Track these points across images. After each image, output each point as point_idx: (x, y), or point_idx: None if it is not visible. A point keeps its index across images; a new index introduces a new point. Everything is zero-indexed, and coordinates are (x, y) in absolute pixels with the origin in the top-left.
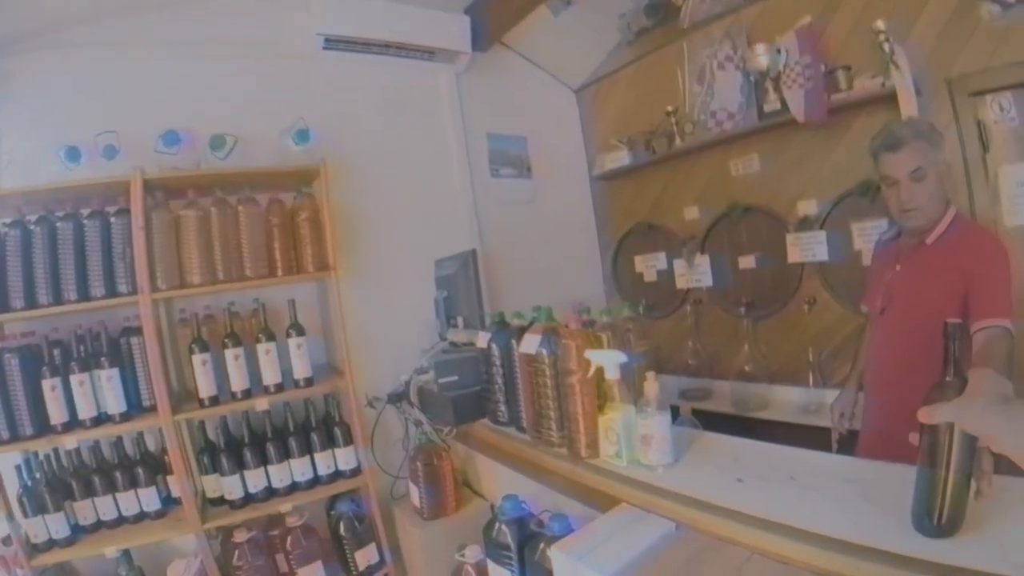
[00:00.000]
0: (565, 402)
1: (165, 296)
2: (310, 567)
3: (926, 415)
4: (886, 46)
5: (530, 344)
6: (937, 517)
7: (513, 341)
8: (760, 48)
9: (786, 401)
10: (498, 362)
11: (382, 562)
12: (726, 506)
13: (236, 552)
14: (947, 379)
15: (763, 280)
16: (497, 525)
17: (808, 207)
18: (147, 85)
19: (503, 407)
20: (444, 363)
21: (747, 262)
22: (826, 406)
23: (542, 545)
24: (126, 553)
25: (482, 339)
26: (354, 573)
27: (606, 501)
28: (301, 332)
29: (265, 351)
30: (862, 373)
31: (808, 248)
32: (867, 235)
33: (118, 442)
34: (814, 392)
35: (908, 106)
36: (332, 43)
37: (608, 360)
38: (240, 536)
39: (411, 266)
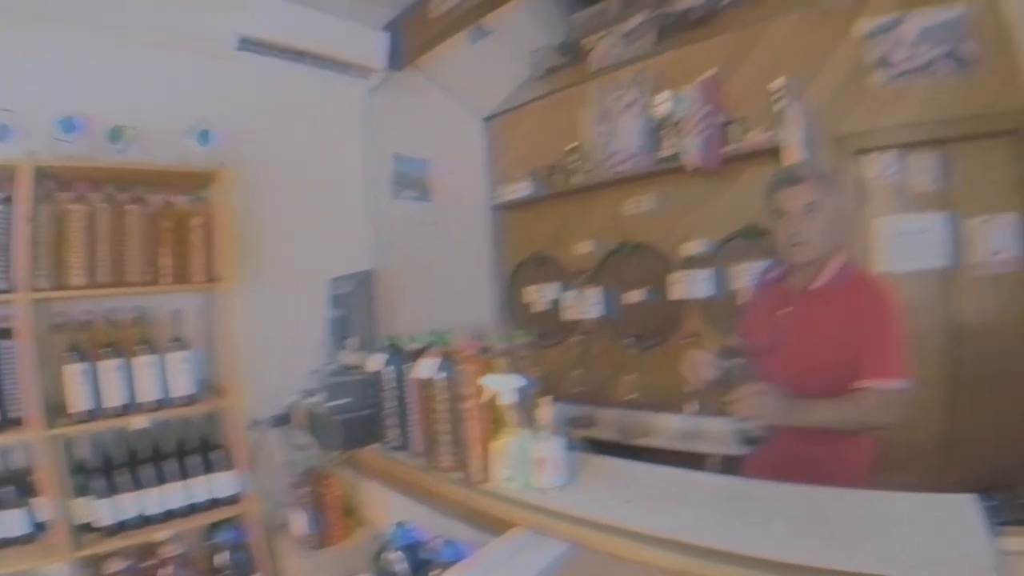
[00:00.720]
0: (459, 427)
1: (45, 297)
2: None
3: None
4: (780, 104)
5: (426, 369)
6: None
7: (407, 365)
8: (664, 95)
9: (668, 428)
10: (391, 386)
11: None
12: (617, 525)
13: None
14: None
15: (649, 314)
16: (388, 553)
17: (694, 247)
18: (50, 66)
19: (395, 432)
20: (336, 385)
21: (635, 296)
22: (705, 433)
23: (434, 572)
24: None
25: (376, 362)
26: None
27: (499, 525)
28: (185, 346)
29: (145, 364)
30: None
31: (691, 285)
32: (747, 276)
33: None
34: (693, 420)
35: (794, 160)
36: (247, 44)
37: (504, 385)
38: (112, 566)
39: (305, 283)
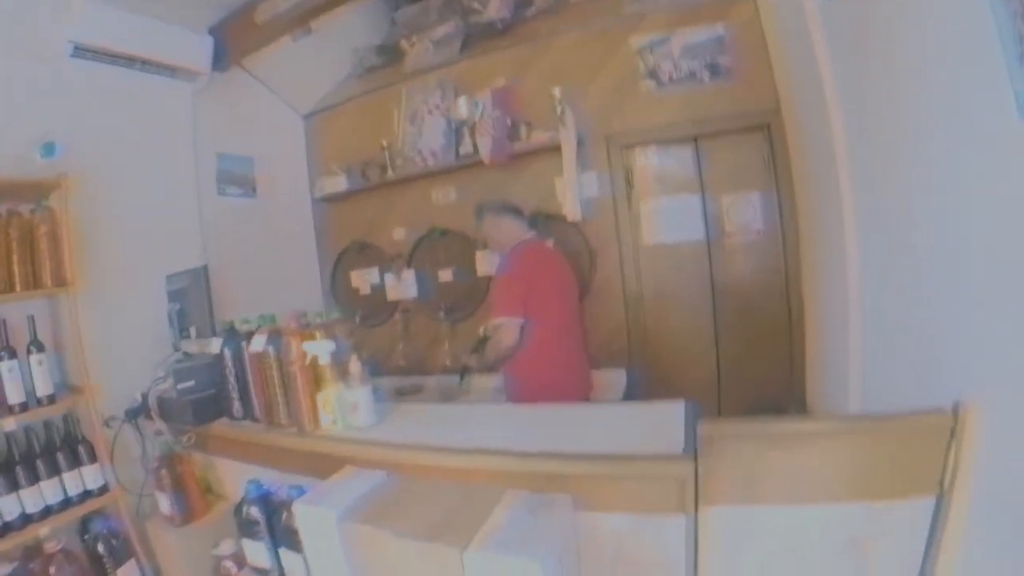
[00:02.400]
0: (290, 389)
1: None
2: None
3: None
4: (559, 107)
5: (258, 343)
6: None
7: (243, 344)
8: (462, 100)
9: (483, 387)
10: (230, 364)
11: None
12: (417, 443)
13: None
14: None
15: (459, 289)
16: (245, 508)
17: None
18: None
19: (237, 404)
20: (181, 370)
21: (446, 275)
22: None
23: (285, 513)
24: None
25: (215, 345)
26: None
27: (332, 467)
28: (41, 348)
29: (8, 369)
30: None
31: (491, 263)
32: None
33: None
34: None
35: (570, 156)
36: (81, 51)
37: (321, 349)
38: (0, 570)
39: (144, 281)
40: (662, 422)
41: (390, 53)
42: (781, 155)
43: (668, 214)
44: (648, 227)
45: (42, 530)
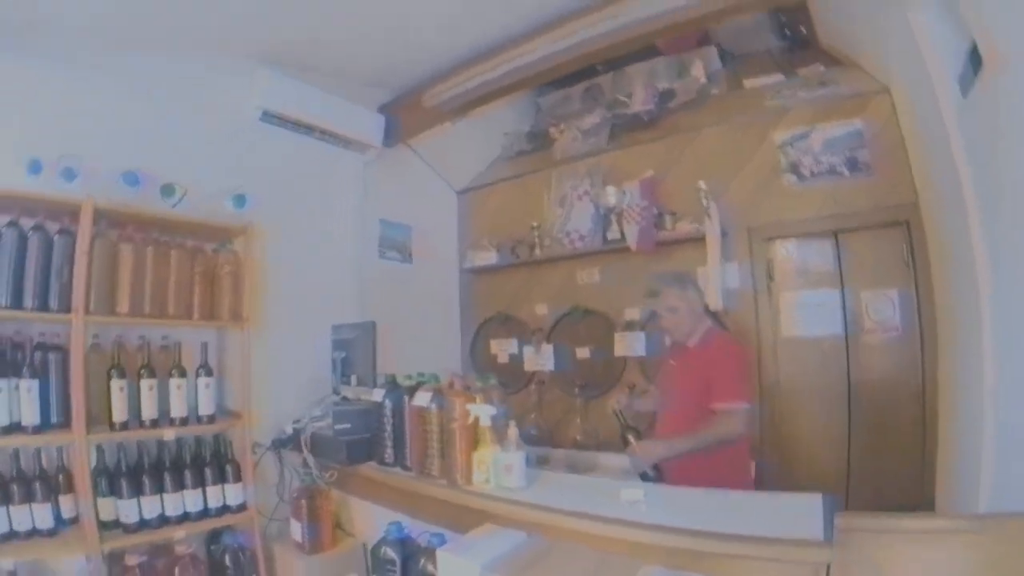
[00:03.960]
0: (447, 443)
1: (96, 320)
2: None
3: None
4: (704, 201)
5: (422, 399)
6: None
7: (405, 397)
8: (611, 189)
9: (610, 466)
10: (389, 414)
11: None
12: (562, 508)
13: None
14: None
15: (595, 367)
16: (384, 546)
17: (633, 313)
18: (103, 116)
19: (390, 451)
20: (341, 412)
21: (583, 352)
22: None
23: (423, 559)
24: (15, 569)
25: (377, 394)
26: None
27: (472, 521)
28: (210, 373)
29: (176, 386)
30: None
31: (630, 344)
32: None
33: (14, 455)
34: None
35: (714, 248)
36: (268, 116)
37: (484, 412)
38: (131, 560)
39: (306, 327)
40: (800, 511)
41: (539, 139)
42: (920, 252)
43: (807, 307)
44: (787, 319)
45: (177, 533)
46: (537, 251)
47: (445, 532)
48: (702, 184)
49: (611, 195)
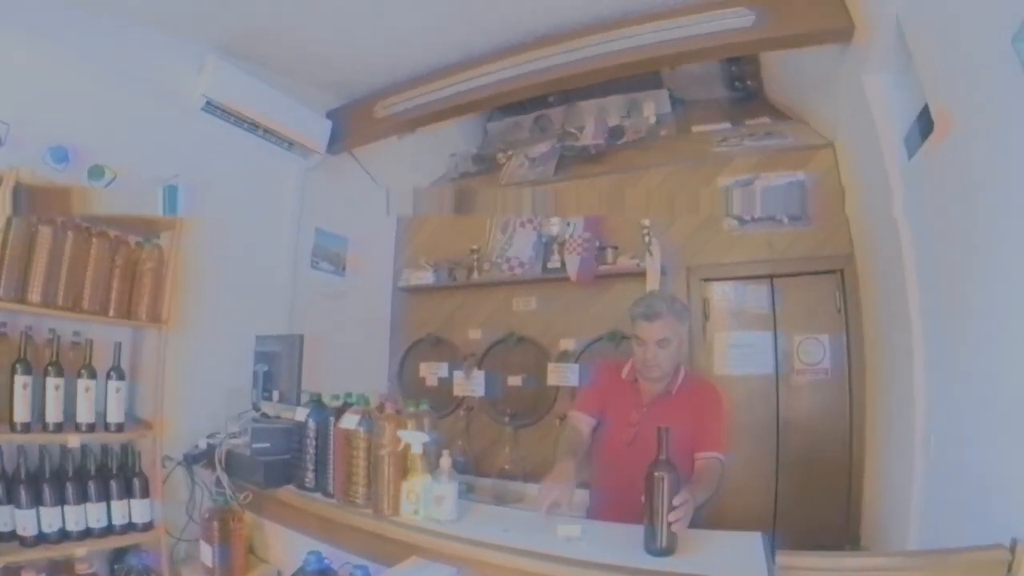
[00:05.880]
0: (375, 470)
1: (3, 307)
2: None
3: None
4: (646, 238)
5: (350, 421)
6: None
7: (331, 418)
8: (555, 219)
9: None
10: (312, 435)
11: None
12: (496, 543)
13: None
14: (660, 458)
15: (526, 396)
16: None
17: (568, 344)
18: (44, 86)
19: (311, 474)
20: (260, 430)
21: (515, 380)
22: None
23: None
24: None
25: (300, 413)
26: None
27: (398, 553)
28: (122, 376)
29: (85, 387)
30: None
31: (563, 375)
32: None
33: None
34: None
35: (654, 283)
36: (212, 107)
37: (416, 439)
38: None
39: (229, 335)
40: (740, 549)
41: (486, 163)
42: (852, 299)
43: (740, 347)
44: (720, 358)
45: (79, 550)
46: (475, 274)
47: (369, 564)
48: (645, 221)
49: (555, 225)
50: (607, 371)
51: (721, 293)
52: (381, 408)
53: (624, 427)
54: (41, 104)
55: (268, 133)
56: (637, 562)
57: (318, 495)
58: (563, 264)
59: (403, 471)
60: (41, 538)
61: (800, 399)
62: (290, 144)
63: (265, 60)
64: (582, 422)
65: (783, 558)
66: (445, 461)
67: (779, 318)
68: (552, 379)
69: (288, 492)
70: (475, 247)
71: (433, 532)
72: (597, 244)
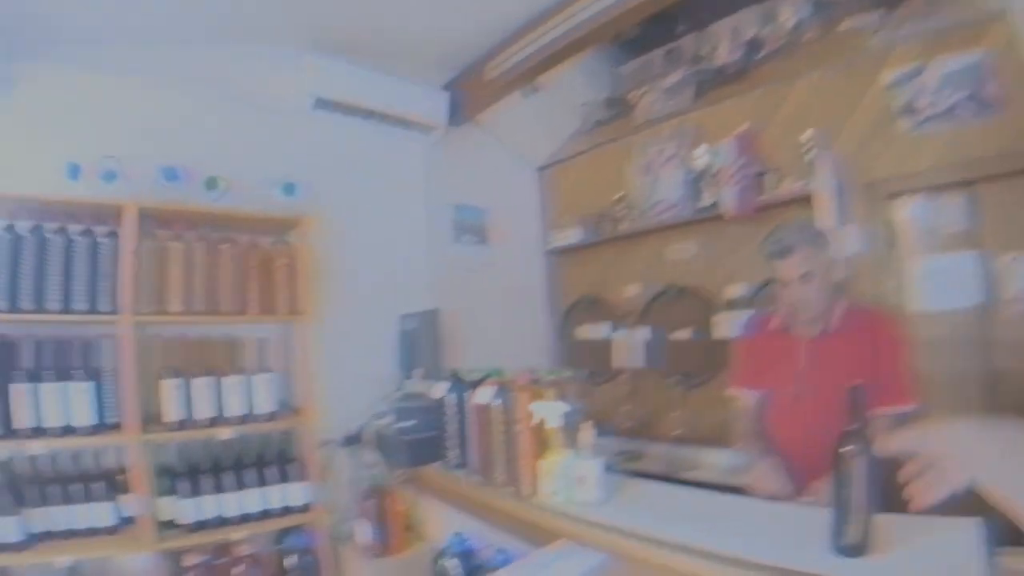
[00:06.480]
0: (512, 447)
1: (145, 320)
2: None
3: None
4: (809, 153)
5: (484, 395)
6: (848, 540)
7: (467, 393)
8: (701, 149)
9: (713, 463)
10: (453, 411)
11: None
12: (647, 534)
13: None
14: (853, 426)
15: (694, 352)
16: (444, 559)
17: (736, 290)
18: (148, 116)
19: (455, 452)
20: (404, 410)
21: (680, 335)
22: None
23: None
24: (75, 566)
25: (439, 390)
26: None
27: (545, 536)
28: (267, 369)
29: (233, 383)
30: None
31: (733, 326)
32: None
33: (76, 455)
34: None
35: (825, 208)
36: (322, 104)
37: (551, 411)
38: (190, 560)
39: (372, 318)
40: (952, 543)
41: (618, 106)
42: None
43: (936, 275)
44: (915, 290)
45: (236, 534)
46: (623, 225)
47: (518, 545)
48: (806, 135)
49: (702, 156)
50: (753, 330)
51: (907, 211)
52: (518, 380)
53: (784, 385)
54: (149, 135)
55: (384, 118)
56: (818, 566)
57: (462, 473)
58: (718, 200)
59: (542, 448)
60: (202, 525)
61: (1017, 337)
62: (408, 124)
63: (366, 48)
64: (745, 398)
65: (1009, 559)
66: (586, 435)
67: (982, 233)
68: (720, 331)
69: (435, 471)
70: (619, 195)
71: (574, 518)
72: (754, 171)
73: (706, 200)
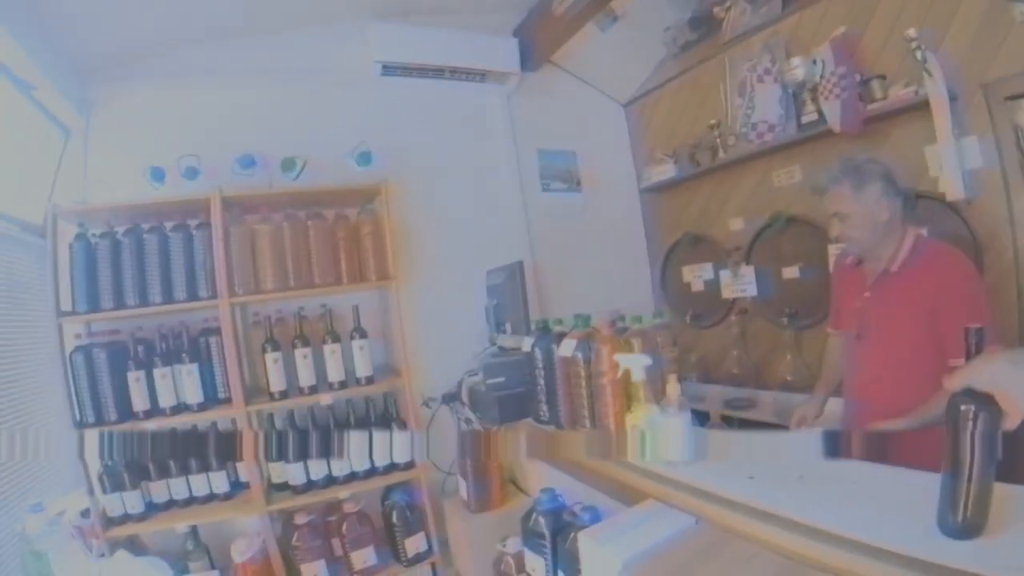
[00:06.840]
0: (596, 402)
1: (241, 301)
2: (363, 551)
3: (948, 381)
4: (918, 54)
5: (567, 348)
6: (961, 517)
7: (554, 346)
8: (796, 60)
9: (828, 412)
10: (540, 365)
11: (430, 551)
12: (737, 500)
13: (296, 533)
14: (960, 404)
15: (807, 290)
16: (534, 516)
17: None
18: (221, 111)
19: (544, 407)
20: (492, 365)
21: (790, 272)
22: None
23: (573, 534)
24: (194, 530)
25: (526, 344)
26: (403, 559)
27: (635, 495)
28: (364, 335)
29: (331, 351)
30: (833, 384)
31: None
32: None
33: (193, 430)
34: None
35: (941, 114)
36: (389, 69)
37: (634, 363)
38: (300, 519)
39: (464, 275)
40: None
41: (704, 24)
42: None
43: None
44: None
45: (343, 492)
46: (721, 154)
47: (609, 503)
48: (911, 32)
49: (798, 67)
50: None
51: None
52: (602, 329)
53: (850, 321)
54: (225, 127)
55: (455, 73)
56: (927, 549)
57: (552, 428)
58: (821, 115)
59: (627, 402)
60: (310, 485)
61: None
62: (482, 75)
63: (427, 6)
64: (833, 337)
65: None
66: (672, 388)
67: None
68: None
69: (528, 425)
70: (713, 122)
71: (660, 477)
72: (857, 78)
73: (808, 117)
